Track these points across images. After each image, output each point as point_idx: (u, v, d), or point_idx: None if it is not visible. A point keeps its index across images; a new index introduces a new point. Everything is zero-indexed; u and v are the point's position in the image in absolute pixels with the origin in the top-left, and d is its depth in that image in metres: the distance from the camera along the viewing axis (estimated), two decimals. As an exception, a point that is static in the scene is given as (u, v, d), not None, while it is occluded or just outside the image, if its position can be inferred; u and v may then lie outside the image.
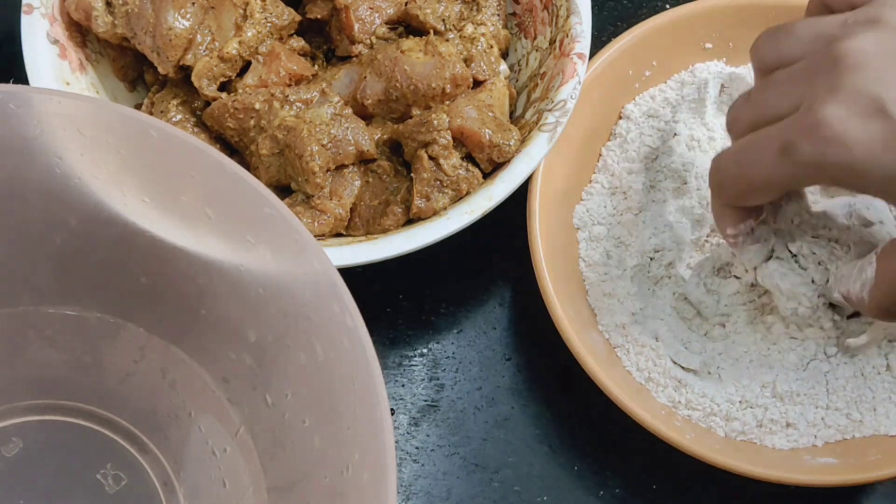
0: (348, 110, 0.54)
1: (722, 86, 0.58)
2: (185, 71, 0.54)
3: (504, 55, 0.58)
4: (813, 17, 0.48)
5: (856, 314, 0.52)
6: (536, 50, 0.58)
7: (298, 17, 0.56)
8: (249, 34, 0.54)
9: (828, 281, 0.50)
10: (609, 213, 0.56)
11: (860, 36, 0.44)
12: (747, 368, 0.53)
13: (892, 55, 0.43)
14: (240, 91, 0.54)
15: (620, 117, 0.59)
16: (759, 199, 0.48)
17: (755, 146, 0.46)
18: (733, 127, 0.49)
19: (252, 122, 0.53)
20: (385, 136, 0.54)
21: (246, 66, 0.55)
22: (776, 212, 0.50)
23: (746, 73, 0.58)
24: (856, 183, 0.44)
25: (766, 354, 0.53)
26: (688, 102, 0.58)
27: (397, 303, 0.58)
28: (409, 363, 0.56)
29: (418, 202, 0.52)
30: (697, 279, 0.54)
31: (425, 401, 0.56)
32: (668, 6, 0.65)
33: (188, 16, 0.53)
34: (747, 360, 0.53)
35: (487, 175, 0.54)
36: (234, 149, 0.55)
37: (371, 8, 0.56)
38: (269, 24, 0.54)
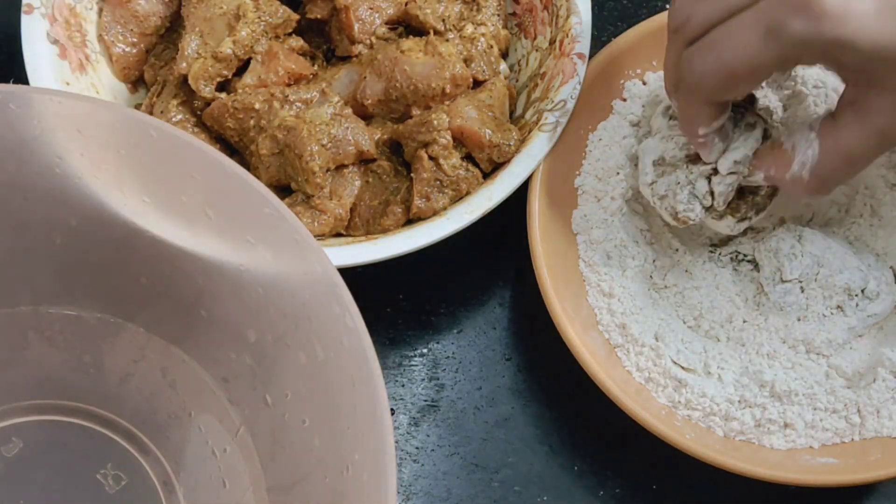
0: (348, 110, 0.54)
1: None
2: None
3: (504, 55, 0.58)
4: None
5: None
6: (536, 50, 0.58)
7: (295, 16, 0.56)
8: (243, 33, 0.54)
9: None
10: (602, 219, 0.56)
11: None
12: (747, 367, 0.53)
13: None
14: (239, 91, 0.54)
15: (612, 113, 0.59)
16: (744, 88, 0.47)
17: (733, 34, 0.44)
18: (684, 28, 0.46)
19: (252, 122, 0.53)
20: (385, 136, 0.54)
21: (244, 67, 0.55)
22: None
23: None
24: (845, 57, 0.43)
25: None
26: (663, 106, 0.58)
27: (397, 303, 0.58)
28: (409, 363, 0.56)
29: (418, 202, 0.52)
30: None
31: (425, 401, 0.56)
32: (667, 6, 0.65)
33: None
34: (747, 360, 0.53)
35: (487, 175, 0.54)
36: (234, 149, 0.55)
37: (371, 8, 0.56)
38: (262, 23, 0.54)
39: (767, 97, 0.55)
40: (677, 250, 0.56)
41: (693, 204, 0.51)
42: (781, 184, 0.49)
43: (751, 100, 0.51)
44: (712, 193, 0.51)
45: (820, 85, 0.56)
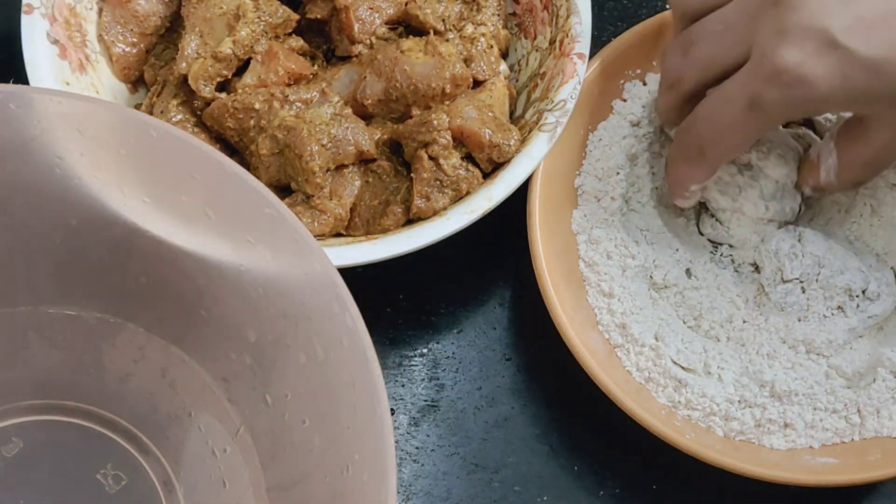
0: (348, 110, 0.54)
1: None
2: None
3: (504, 55, 0.58)
4: None
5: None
6: (536, 50, 0.58)
7: (295, 16, 0.56)
8: (243, 33, 0.54)
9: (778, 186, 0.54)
10: (602, 219, 0.56)
11: None
12: (747, 367, 0.53)
13: None
14: (239, 91, 0.54)
15: (612, 113, 0.59)
16: (737, 153, 0.51)
17: (720, 110, 0.48)
18: (678, 86, 0.51)
19: (252, 122, 0.53)
20: (385, 136, 0.54)
21: (244, 67, 0.55)
22: None
23: None
24: (821, 109, 0.48)
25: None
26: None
27: (397, 303, 0.58)
28: (409, 363, 0.56)
29: (418, 202, 0.52)
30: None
31: (425, 401, 0.56)
32: (667, 6, 0.65)
33: None
34: (747, 360, 0.53)
35: (487, 175, 0.54)
36: (234, 149, 0.55)
37: (371, 8, 0.56)
38: (262, 23, 0.54)
39: None
40: (677, 250, 0.56)
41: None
42: (819, 190, 0.54)
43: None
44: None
45: None
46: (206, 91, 0.54)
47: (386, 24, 0.56)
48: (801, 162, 0.54)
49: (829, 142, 0.52)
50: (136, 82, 0.58)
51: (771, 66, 0.45)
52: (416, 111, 0.54)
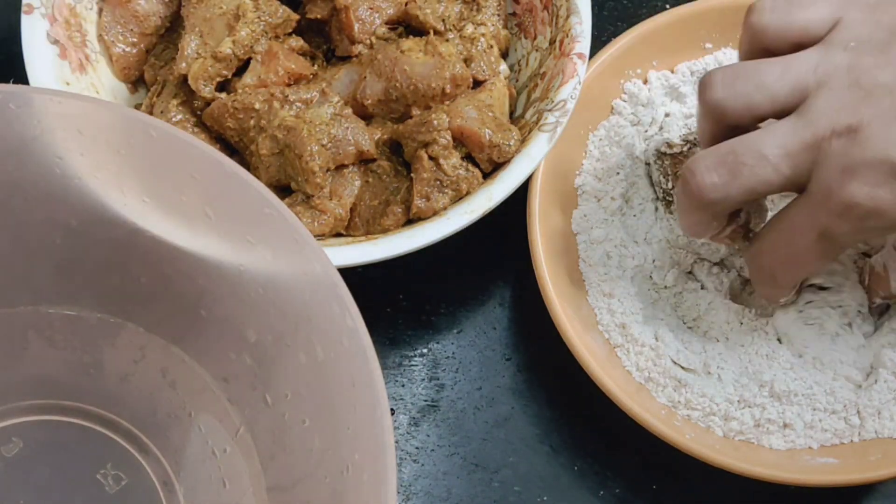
0: (348, 110, 0.54)
1: None
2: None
3: (504, 55, 0.58)
4: (763, 58, 0.47)
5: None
6: (536, 50, 0.58)
7: (295, 16, 0.56)
8: (243, 33, 0.54)
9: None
10: (602, 219, 0.56)
11: (856, 108, 0.45)
12: (746, 367, 0.53)
13: (886, 117, 0.44)
14: (239, 91, 0.54)
15: (612, 112, 0.59)
16: (805, 276, 0.52)
17: (788, 242, 0.47)
18: (723, 112, 0.47)
19: (252, 122, 0.53)
20: (385, 136, 0.54)
21: (244, 67, 0.55)
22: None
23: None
24: (890, 230, 0.47)
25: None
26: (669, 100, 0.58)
27: (397, 303, 0.58)
28: (409, 363, 0.56)
29: (418, 202, 0.52)
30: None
31: (425, 401, 0.56)
32: (668, 6, 0.65)
33: None
34: (746, 360, 0.53)
35: (487, 175, 0.54)
36: (234, 149, 0.55)
37: (371, 8, 0.56)
38: (262, 23, 0.54)
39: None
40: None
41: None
42: (891, 298, 0.53)
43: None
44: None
45: None
46: (206, 91, 0.54)
47: (386, 24, 0.56)
48: (864, 274, 0.54)
49: (893, 251, 0.52)
50: (136, 82, 0.58)
51: (840, 201, 0.45)
52: (416, 111, 0.54)
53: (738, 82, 0.47)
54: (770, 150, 0.45)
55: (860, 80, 0.45)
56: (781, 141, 0.45)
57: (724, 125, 0.47)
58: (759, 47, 0.48)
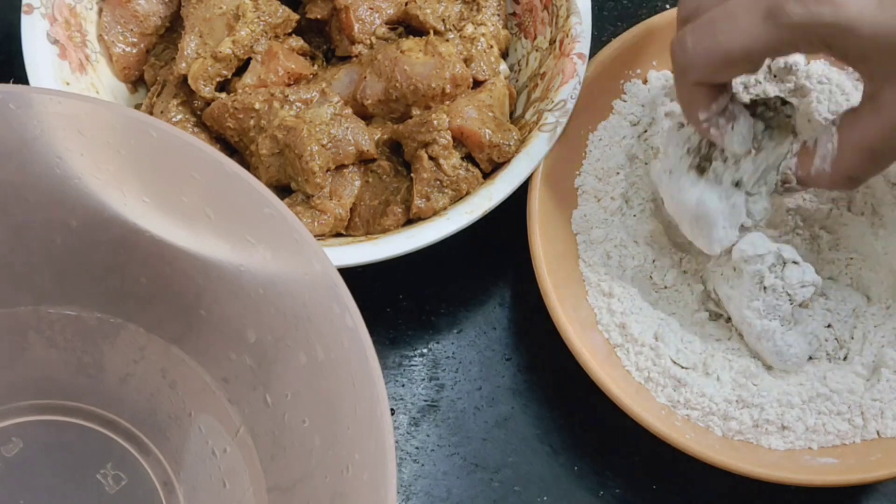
0: (348, 110, 0.54)
1: None
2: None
3: (504, 55, 0.58)
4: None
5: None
6: (536, 50, 0.58)
7: (295, 16, 0.56)
8: (243, 33, 0.54)
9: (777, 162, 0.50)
10: (602, 219, 0.56)
11: None
12: (745, 367, 0.53)
13: None
14: (239, 91, 0.54)
15: (612, 112, 0.59)
16: (737, 71, 0.46)
17: (731, 14, 0.44)
18: (695, 18, 0.46)
19: (252, 122, 0.53)
20: (385, 136, 0.54)
21: (244, 67, 0.55)
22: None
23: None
24: (844, 44, 0.43)
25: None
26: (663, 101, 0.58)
27: (397, 303, 0.58)
28: (409, 363, 0.56)
29: (418, 202, 0.52)
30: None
31: (425, 401, 0.56)
32: (668, 6, 0.65)
33: None
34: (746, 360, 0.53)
35: (487, 175, 0.54)
36: (234, 149, 0.55)
37: (371, 8, 0.56)
38: (262, 23, 0.54)
39: (766, 91, 0.55)
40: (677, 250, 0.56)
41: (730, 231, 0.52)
42: (809, 181, 0.49)
43: (773, 105, 0.51)
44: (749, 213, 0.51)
45: (825, 81, 0.56)
46: (206, 91, 0.54)
47: (386, 24, 0.56)
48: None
49: (830, 126, 0.48)
50: (136, 82, 0.58)
51: None
52: (416, 111, 0.54)
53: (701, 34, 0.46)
54: (739, 8, 0.44)
55: None
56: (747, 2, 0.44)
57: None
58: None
